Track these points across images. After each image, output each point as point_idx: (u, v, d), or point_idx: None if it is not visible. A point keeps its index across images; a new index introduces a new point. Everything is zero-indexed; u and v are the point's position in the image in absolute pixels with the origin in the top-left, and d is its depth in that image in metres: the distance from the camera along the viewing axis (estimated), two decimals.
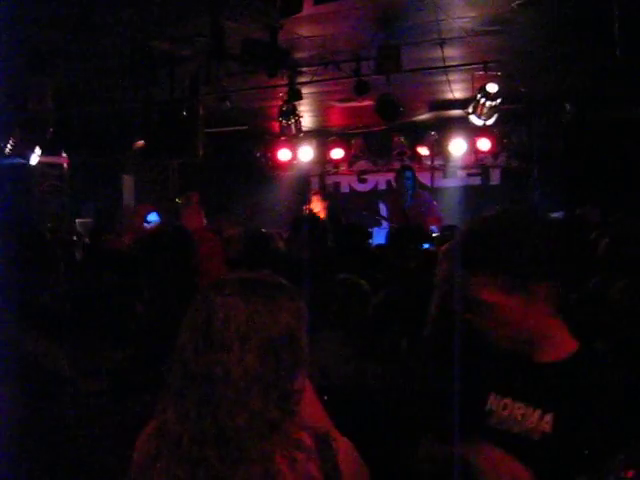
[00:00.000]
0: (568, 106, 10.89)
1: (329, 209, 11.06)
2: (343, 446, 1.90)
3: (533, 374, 2.13)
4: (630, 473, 1.76)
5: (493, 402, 2.18)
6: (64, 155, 12.73)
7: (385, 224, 11.23)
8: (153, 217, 4.00)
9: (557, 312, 2.14)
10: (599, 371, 2.09)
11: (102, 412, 2.59)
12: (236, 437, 1.77)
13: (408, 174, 10.33)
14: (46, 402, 2.55)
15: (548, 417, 2.04)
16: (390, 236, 7.92)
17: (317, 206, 11.14)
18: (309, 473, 1.81)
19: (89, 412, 2.59)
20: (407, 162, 13.02)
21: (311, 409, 2.05)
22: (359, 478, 1.94)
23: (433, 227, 9.04)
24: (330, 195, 13.08)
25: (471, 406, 2.19)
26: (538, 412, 2.07)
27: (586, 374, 2.07)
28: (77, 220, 12.03)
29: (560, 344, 2.14)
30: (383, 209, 13.06)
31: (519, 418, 2.10)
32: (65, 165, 12.94)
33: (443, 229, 8.94)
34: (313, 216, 7.05)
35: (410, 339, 4.10)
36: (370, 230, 9.12)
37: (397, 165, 13.79)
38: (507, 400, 2.16)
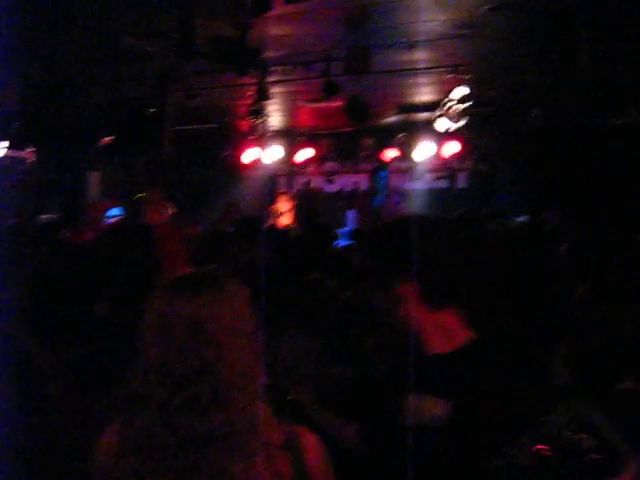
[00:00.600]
0: (535, 111, 10.96)
1: (299, 208, 11.07)
2: (310, 442, 1.91)
3: (431, 365, 2.24)
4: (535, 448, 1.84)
5: (410, 400, 2.26)
6: (30, 149, 12.58)
7: (350, 224, 11.24)
8: (114, 212, 3.93)
9: (444, 306, 2.30)
10: (487, 362, 2.22)
11: (63, 410, 2.56)
12: (218, 437, 1.75)
13: (382, 174, 10.35)
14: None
15: (446, 403, 2.15)
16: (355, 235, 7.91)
17: (284, 206, 11.13)
18: (279, 470, 1.81)
19: (52, 410, 2.56)
20: (377, 163, 13.07)
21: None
22: (327, 472, 1.96)
23: None
24: (301, 193, 13.07)
25: (391, 407, 2.31)
26: (441, 401, 2.17)
27: (476, 365, 2.20)
28: (42, 216, 11.90)
29: (450, 336, 2.29)
30: (348, 211, 13.08)
31: (423, 408, 2.20)
32: (31, 160, 12.79)
33: None
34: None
35: (376, 338, 4.11)
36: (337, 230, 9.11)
37: (366, 167, 13.85)
38: (417, 395, 2.24)
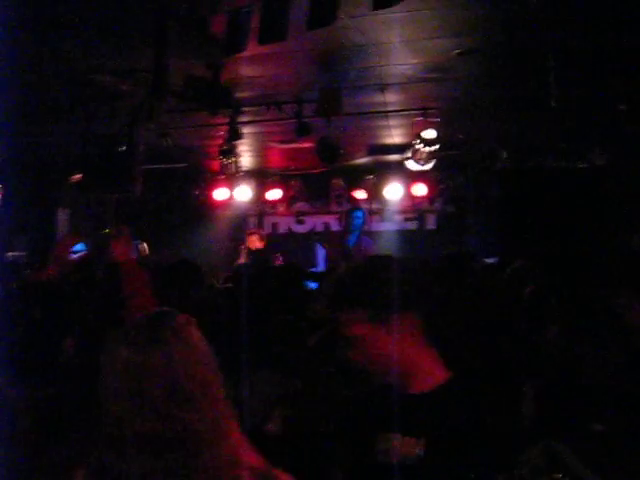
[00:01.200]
0: (504, 154, 11.09)
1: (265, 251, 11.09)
2: None
3: (405, 405, 2.22)
4: None
5: (381, 439, 2.25)
6: None
7: (321, 265, 11.26)
8: (80, 247, 3.87)
9: (428, 344, 2.31)
10: (461, 402, 2.21)
11: (28, 450, 2.51)
12: (201, 474, 1.73)
13: (359, 214, 10.40)
14: None
15: (421, 442, 2.14)
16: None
17: (255, 245, 11.12)
18: None
19: (16, 449, 2.51)
20: (345, 204, 13.15)
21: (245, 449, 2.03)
22: None
23: None
24: (268, 236, 13.07)
25: (363, 446, 2.29)
26: (413, 440, 2.16)
27: (450, 405, 2.19)
28: (9, 253, 11.78)
29: (428, 375, 2.28)
30: (320, 251, 13.10)
31: (397, 447, 2.19)
32: None
33: None
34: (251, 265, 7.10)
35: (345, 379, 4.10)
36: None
37: (335, 207, 13.93)
38: (388, 434, 2.24)
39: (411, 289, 2.27)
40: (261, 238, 11.62)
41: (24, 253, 11.89)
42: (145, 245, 10.43)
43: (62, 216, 13.31)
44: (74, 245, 3.88)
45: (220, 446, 1.76)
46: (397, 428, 2.20)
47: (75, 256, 3.71)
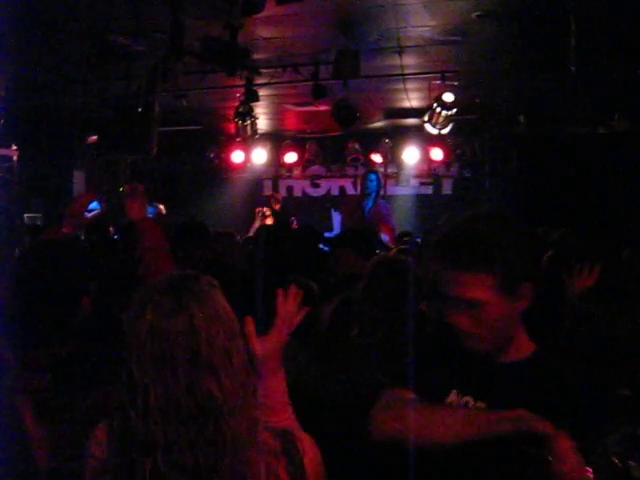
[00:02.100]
0: (522, 119, 11.00)
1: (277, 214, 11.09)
2: (307, 445, 1.90)
3: (495, 374, 2.15)
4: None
5: (454, 399, 2.18)
6: (14, 147, 12.50)
7: (337, 229, 11.24)
8: (94, 206, 3.84)
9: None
10: (554, 371, 2.14)
11: (46, 409, 2.53)
12: (221, 443, 1.74)
13: (372, 176, 10.34)
14: None
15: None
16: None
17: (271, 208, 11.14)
18: (277, 474, 1.79)
19: (34, 409, 2.53)
20: (361, 168, 13.09)
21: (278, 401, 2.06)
22: (322, 476, 1.95)
23: (384, 236, 9.03)
24: (283, 199, 13.06)
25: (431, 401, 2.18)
26: (484, 405, 2.11)
27: (543, 374, 2.12)
28: (25, 215, 11.84)
29: (522, 345, 2.19)
30: (335, 215, 13.07)
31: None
32: (15, 158, 12.71)
33: (400, 235, 8.98)
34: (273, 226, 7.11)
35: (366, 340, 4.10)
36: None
37: (351, 171, 13.88)
38: (468, 398, 2.16)
39: (533, 259, 2.18)
40: (277, 201, 11.61)
41: (40, 215, 11.94)
42: (162, 206, 10.45)
43: (78, 179, 13.32)
44: (89, 203, 3.85)
45: (241, 414, 1.77)
46: (481, 396, 2.15)
47: (89, 215, 3.69)
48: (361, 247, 5.35)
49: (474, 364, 2.17)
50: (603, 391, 2.23)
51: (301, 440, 1.89)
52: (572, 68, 7.02)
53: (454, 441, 2.01)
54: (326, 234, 10.18)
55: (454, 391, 2.19)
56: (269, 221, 10.95)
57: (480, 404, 2.13)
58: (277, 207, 11.46)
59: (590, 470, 1.79)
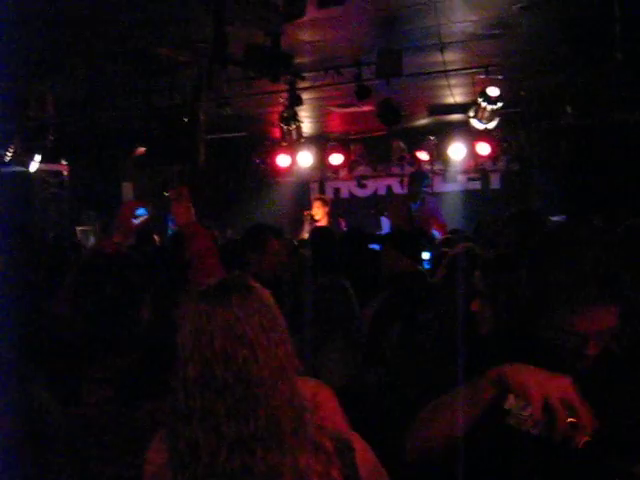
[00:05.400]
0: (569, 109, 10.87)
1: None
2: (361, 449, 1.90)
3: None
4: None
5: (513, 402, 2.13)
6: (64, 162, 12.72)
7: (385, 228, 11.20)
8: (142, 212, 3.88)
9: None
10: (623, 374, 2.10)
11: (109, 420, 2.56)
12: (265, 436, 1.76)
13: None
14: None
15: None
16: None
17: (319, 212, 11.09)
18: (331, 476, 1.80)
19: (97, 421, 2.56)
20: (407, 167, 13.06)
21: (329, 411, 2.04)
22: (376, 476, 1.94)
23: (436, 232, 8.99)
24: (331, 201, 13.05)
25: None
26: None
27: (613, 378, 2.09)
28: (77, 227, 12.01)
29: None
30: (383, 218, 13.03)
31: None
32: (65, 172, 12.92)
33: (449, 232, 8.93)
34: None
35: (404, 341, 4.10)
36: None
37: (396, 170, 13.83)
38: None
39: None
40: (325, 204, 11.60)
41: (91, 227, 12.11)
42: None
43: (126, 190, 13.49)
44: (136, 210, 3.89)
45: (280, 386, 1.79)
46: None
47: (137, 221, 3.73)
48: (406, 247, 5.38)
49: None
50: None
51: (356, 444, 1.90)
52: (618, 55, 6.92)
53: (467, 423, 2.01)
54: (377, 233, 10.16)
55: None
56: (321, 224, 10.93)
57: None
58: (325, 209, 11.40)
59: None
